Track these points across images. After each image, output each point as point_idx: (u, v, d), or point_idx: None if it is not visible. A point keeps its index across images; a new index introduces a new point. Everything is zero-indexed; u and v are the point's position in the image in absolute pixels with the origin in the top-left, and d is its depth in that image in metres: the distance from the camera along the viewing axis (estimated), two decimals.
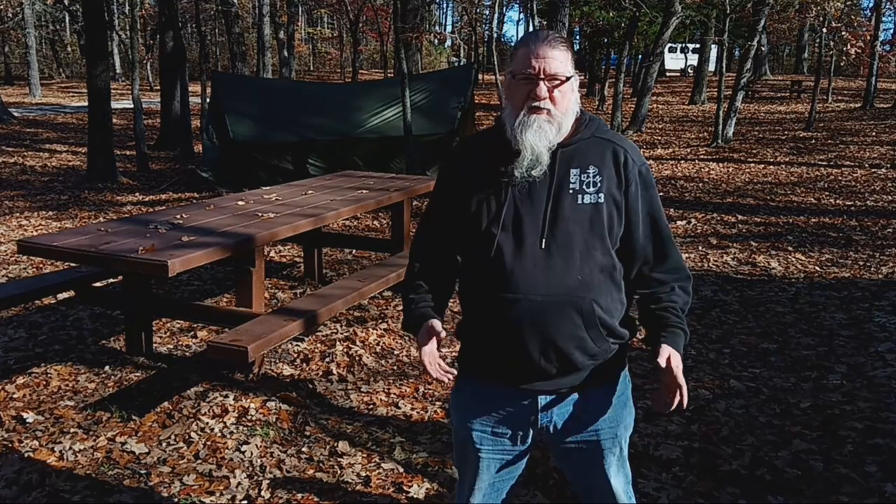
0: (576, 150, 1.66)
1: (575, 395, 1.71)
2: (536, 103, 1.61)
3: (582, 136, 1.68)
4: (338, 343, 4.25)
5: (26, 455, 3.02)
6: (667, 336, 1.66)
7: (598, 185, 1.63)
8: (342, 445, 3.09)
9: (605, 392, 1.74)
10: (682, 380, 1.61)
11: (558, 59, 1.62)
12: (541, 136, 1.61)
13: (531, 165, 1.62)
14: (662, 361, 1.60)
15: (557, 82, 1.62)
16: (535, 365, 1.66)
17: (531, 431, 1.75)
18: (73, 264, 4.13)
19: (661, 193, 9.17)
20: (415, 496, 2.74)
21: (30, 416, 3.36)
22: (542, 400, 1.71)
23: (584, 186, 1.63)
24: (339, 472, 2.91)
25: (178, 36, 12.69)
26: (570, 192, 1.62)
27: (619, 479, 1.79)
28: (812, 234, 7.00)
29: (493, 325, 1.67)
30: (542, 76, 1.61)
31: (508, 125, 1.65)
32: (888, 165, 11.29)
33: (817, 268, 5.85)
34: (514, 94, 1.65)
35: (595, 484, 1.80)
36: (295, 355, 4.08)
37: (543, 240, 1.62)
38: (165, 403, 3.48)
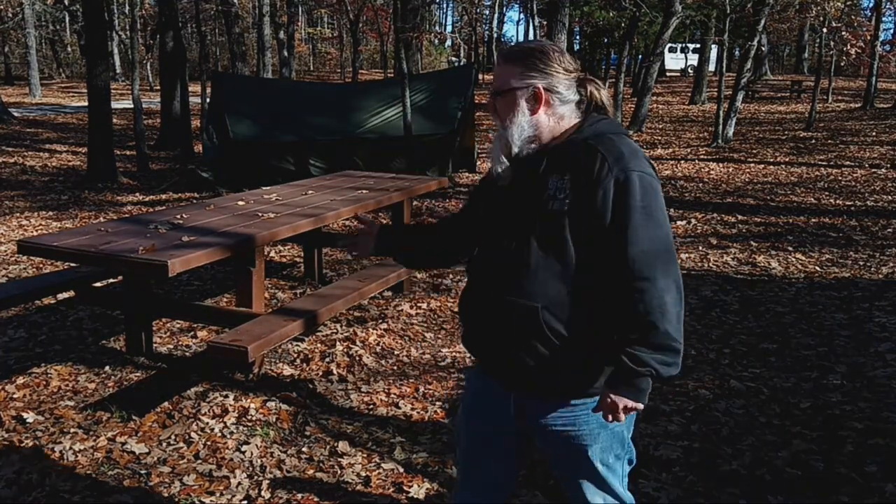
0: (559, 155, 1.65)
1: (542, 401, 1.71)
2: (492, 116, 1.73)
3: (573, 140, 1.66)
4: (338, 343, 4.25)
5: (26, 455, 3.02)
6: (609, 381, 1.63)
7: (568, 191, 1.59)
8: (342, 445, 3.09)
9: (577, 405, 1.69)
10: (610, 420, 1.64)
11: (498, 73, 1.70)
12: (496, 148, 1.71)
13: (496, 175, 1.73)
14: (593, 410, 1.67)
15: (499, 96, 1.69)
16: (497, 365, 1.74)
17: (512, 429, 1.79)
18: (73, 264, 4.13)
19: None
20: (415, 496, 2.74)
21: (30, 416, 3.36)
22: (519, 396, 1.74)
23: (556, 193, 1.60)
24: (339, 472, 2.91)
25: (178, 36, 12.69)
26: (544, 198, 1.62)
27: (599, 498, 1.76)
28: (812, 234, 7.00)
29: (465, 322, 1.80)
30: (492, 91, 1.71)
31: None
32: (888, 165, 11.29)
33: (817, 268, 5.85)
34: None
35: (574, 495, 1.81)
36: (295, 355, 4.08)
37: (509, 242, 1.66)
38: (165, 403, 3.48)
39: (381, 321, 4.63)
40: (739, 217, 7.84)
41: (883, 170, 10.93)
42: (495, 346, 1.71)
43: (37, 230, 7.25)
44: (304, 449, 3.09)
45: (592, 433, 1.69)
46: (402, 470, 2.91)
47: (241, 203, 4.35)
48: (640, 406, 1.61)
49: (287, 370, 3.88)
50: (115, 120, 11.86)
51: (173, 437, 3.17)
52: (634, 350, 1.55)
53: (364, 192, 4.85)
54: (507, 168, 1.70)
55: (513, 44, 1.76)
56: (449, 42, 47.58)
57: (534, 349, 1.64)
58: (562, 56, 1.68)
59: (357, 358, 4.05)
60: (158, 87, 17.15)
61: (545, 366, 1.65)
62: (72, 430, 3.23)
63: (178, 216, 3.90)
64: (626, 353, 1.56)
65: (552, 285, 1.61)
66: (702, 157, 12.67)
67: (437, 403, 3.50)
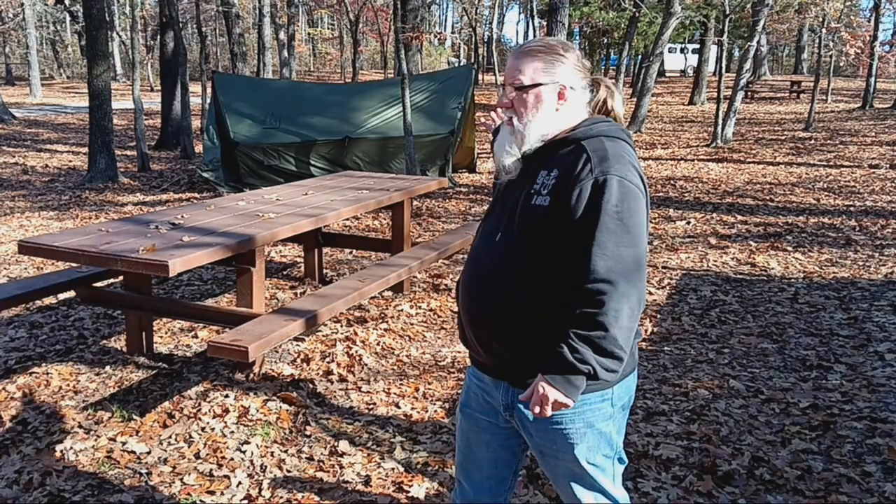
0: (555, 152, 1.67)
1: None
2: (501, 111, 1.70)
3: (568, 140, 1.67)
4: (338, 343, 4.26)
5: (27, 454, 3.02)
6: (544, 369, 1.58)
7: (550, 188, 1.61)
8: (343, 445, 3.10)
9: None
10: (536, 412, 1.59)
11: (521, 68, 1.66)
12: (502, 146, 1.70)
13: (499, 171, 1.73)
14: (522, 396, 1.63)
15: (518, 91, 1.67)
16: (486, 360, 1.74)
17: (502, 418, 1.79)
18: (73, 264, 4.14)
19: (661, 193, 9.21)
20: (415, 496, 2.75)
21: (30, 416, 3.36)
22: (503, 388, 1.75)
23: (542, 189, 1.62)
24: (339, 471, 2.92)
25: (178, 36, 12.70)
26: (531, 192, 1.64)
27: (589, 496, 1.76)
28: (811, 234, 7.01)
29: (460, 311, 1.80)
30: (507, 84, 1.68)
31: None
32: (887, 165, 11.29)
33: (816, 268, 5.86)
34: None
35: (563, 492, 1.81)
36: (295, 355, 4.08)
37: (498, 235, 1.68)
38: (166, 403, 3.49)
39: (381, 321, 4.64)
40: (739, 217, 7.85)
41: (882, 170, 10.94)
42: (484, 341, 1.72)
43: (37, 230, 7.26)
44: (304, 448, 3.09)
45: (579, 432, 1.68)
46: (402, 469, 2.92)
47: (241, 203, 4.35)
48: (570, 403, 1.57)
49: (287, 370, 3.89)
50: (115, 120, 11.87)
51: (174, 436, 3.18)
52: (578, 346, 1.53)
53: (364, 192, 4.86)
54: (517, 161, 1.70)
55: (533, 39, 1.74)
56: (449, 42, 47.59)
57: (517, 345, 1.65)
58: (579, 54, 1.71)
59: (357, 358, 4.06)
60: (159, 88, 17.16)
61: (529, 361, 1.65)
62: (72, 429, 3.24)
63: (179, 216, 3.91)
64: (569, 346, 1.54)
65: (533, 280, 1.62)
66: (701, 157, 12.68)
67: (437, 403, 3.51)
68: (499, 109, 1.75)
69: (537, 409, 1.58)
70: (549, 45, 1.68)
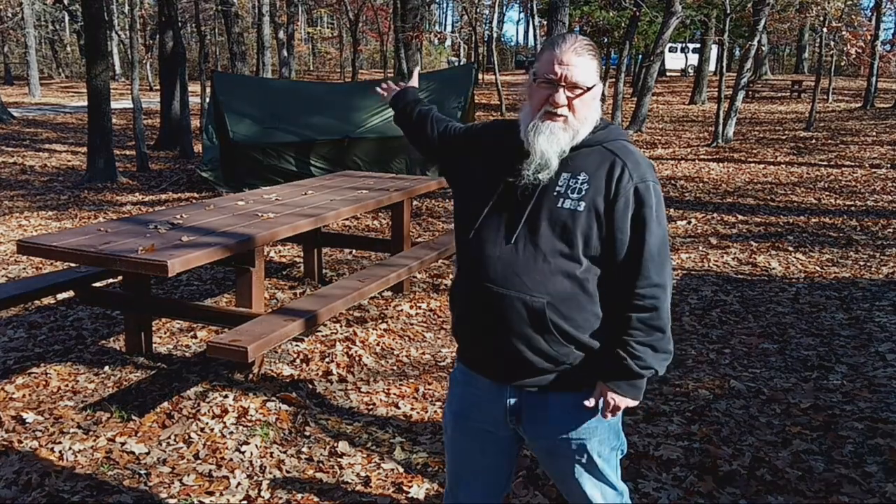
0: (575, 155, 1.65)
1: (542, 397, 1.70)
2: (553, 109, 1.61)
3: (587, 143, 1.66)
4: (338, 343, 4.25)
5: (26, 455, 3.02)
6: (609, 380, 1.67)
7: (583, 192, 1.60)
8: (342, 446, 3.09)
9: (572, 399, 1.69)
10: (608, 417, 1.70)
11: (582, 68, 1.60)
12: (552, 143, 1.61)
13: (538, 169, 1.62)
14: (587, 403, 1.68)
15: (579, 91, 1.61)
16: (490, 356, 1.70)
17: (503, 424, 1.76)
18: (72, 264, 4.13)
19: (662, 193, 9.19)
20: (415, 496, 2.74)
21: (29, 416, 3.35)
22: (510, 393, 1.72)
23: (569, 192, 1.61)
24: (339, 472, 2.91)
25: (177, 36, 12.68)
26: (555, 194, 1.62)
27: (596, 490, 1.76)
28: (812, 234, 7.00)
29: (459, 310, 1.76)
30: (563, 83, 1.60)
31: (523, 126, 1.66)
32: (888, 165, 11.29)
33: (817, 268, 5.85)
34: (533, 96, 1.65)
35: (570, 489, 1.80)
36: (295, 355, 4.07)
37: (515, 235, 1.63)
38: (165, 403, 3.48)
39: (381, 321, 4.63)
40: (739, 217, 7.84)
41: (883, 170, 10.93)
42: (496, 343, 1.67)
43: (36, 230, 7.25)
44: (303, 449, 3.08)
45: (590, 427, 1.71)
46: (402, 470, 2.91)
47: (241, 203, 4.34)
48: (637, 402, 1.68)
49: (287, 370, 3.88)
50: (114, 120, 11.86)
51: (173, 437, 3.17)
52: (639, 352, 1.62)
53: (364, 192, 4.85)
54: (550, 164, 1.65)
55: (576, 35, 1.69)
56: (449, 41, 47.58)
57: (538, 346, 1.63)
58: None
59: (357, 358, 4.05)
60: (158, 87, 17.15)
61: (548, 362, 1.64)
62: (71, 430, 3.23)
63: (178, 216, 3.90)
64: (631, 354, 1.62)
65: (558, 282, 1.60)
66: (702, 156, 12.67)
67: (437, 403, 3.50)
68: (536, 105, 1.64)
69: (609, 416, 1.69)
70: (592, 44, 1.66)
